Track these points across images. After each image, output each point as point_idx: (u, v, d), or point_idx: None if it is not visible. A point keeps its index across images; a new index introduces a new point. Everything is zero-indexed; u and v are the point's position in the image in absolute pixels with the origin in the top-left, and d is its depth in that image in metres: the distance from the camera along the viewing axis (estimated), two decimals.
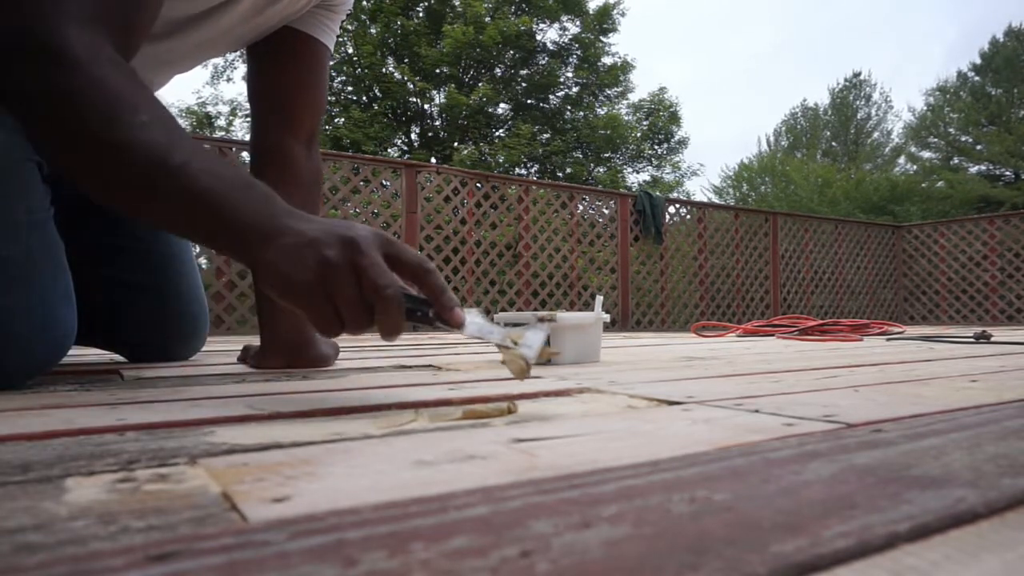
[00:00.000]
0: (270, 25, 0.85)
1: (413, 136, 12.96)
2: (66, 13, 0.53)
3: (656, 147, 14.04)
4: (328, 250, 0.49)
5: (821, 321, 2.31)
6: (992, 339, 1.81)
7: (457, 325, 0.51)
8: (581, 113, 13.47)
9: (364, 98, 12.37)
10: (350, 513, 0.25)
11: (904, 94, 47.21)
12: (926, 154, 17.63)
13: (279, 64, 0.91)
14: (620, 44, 35.86)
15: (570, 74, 13.41)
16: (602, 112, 13.57)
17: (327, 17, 0.92)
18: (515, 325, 1.04)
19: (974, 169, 16.61)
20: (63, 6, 0.53)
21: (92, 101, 0.51)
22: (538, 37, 13.04)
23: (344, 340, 1.88)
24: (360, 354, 1.27)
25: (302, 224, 0.51)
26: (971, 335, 1.94)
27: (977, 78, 17.18)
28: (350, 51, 11.70)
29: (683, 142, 14.14)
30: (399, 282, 0.50)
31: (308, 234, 0.50)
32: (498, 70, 13.01)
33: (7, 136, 0.72)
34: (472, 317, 0.53)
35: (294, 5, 0.85)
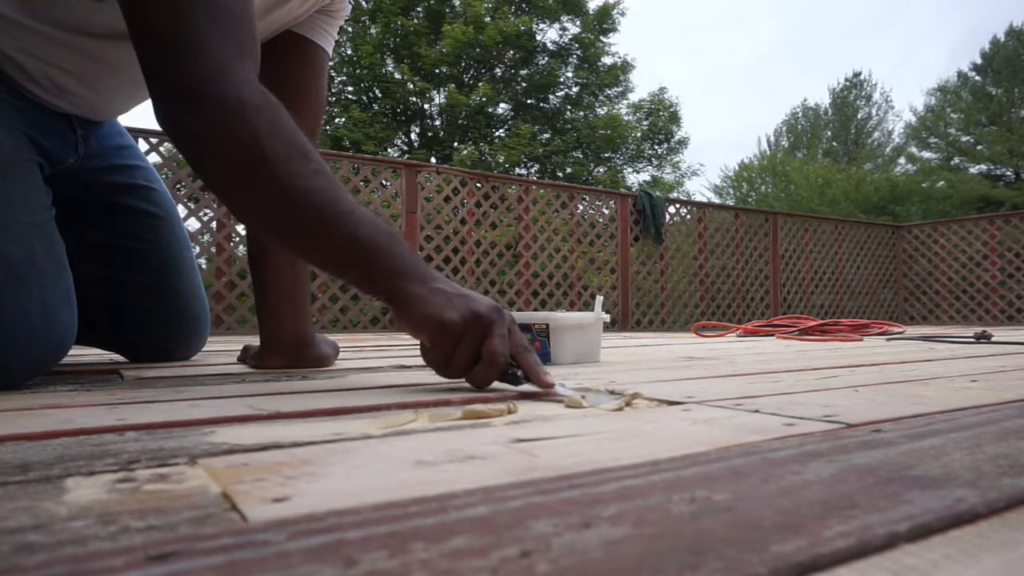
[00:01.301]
0: (272, 30, 0.86)
1: (413, 136, 12.96)
2: (229, 55, 0.58)
3: (656, 147, 14.03)
4: (479, 307, 0.60)
5: (821, 321, 2.31)
6: (992, 339, 1.81)
7: (546, 387, 0.60)
8: (581, 113, 13.47)
9: (364, 98, 12.36)
10: (350, 513, 0.25)
11: (906, 94, 47.21)
12: (927, 154, 17.64)
13: (279, 68, 0.91)
14: (620, 44, 35.88)
15: (570, 74, 13.41)
16: (602, 112, 13.57)
17: (326, 22, 0.92)
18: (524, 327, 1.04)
19: (975, 169, 16.60)
20: (224, 47, 0.57)
21: (273, 147, 0.56)
22: (538, 37, 13.03)
23: (344, 340, 1.88)
24: (360, 354, 1.27)
25: (450, 283, 0.62)
26: (971, 335, 1.94)
27: (978, 78, 17.17)
28: (350, 51, 11.70)
29: (683, 142, 14.14)
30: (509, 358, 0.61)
31: (460, 290, 0.61)
32: (498, 70, 13.01)
33: (8, 136, 0.72)
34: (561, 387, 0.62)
35: (296, 11, 0.85)
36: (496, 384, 0.64)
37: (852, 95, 19.31)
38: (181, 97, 0.57)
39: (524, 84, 13.16)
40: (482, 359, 0.59)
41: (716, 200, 17.43)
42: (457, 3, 12.50)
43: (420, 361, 1.07)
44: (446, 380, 0.74)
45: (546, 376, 0.60)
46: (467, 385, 0.66)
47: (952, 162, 16.96)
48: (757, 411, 0.51)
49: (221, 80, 0.56)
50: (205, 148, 0.58)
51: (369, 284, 0.61)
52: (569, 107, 13.49)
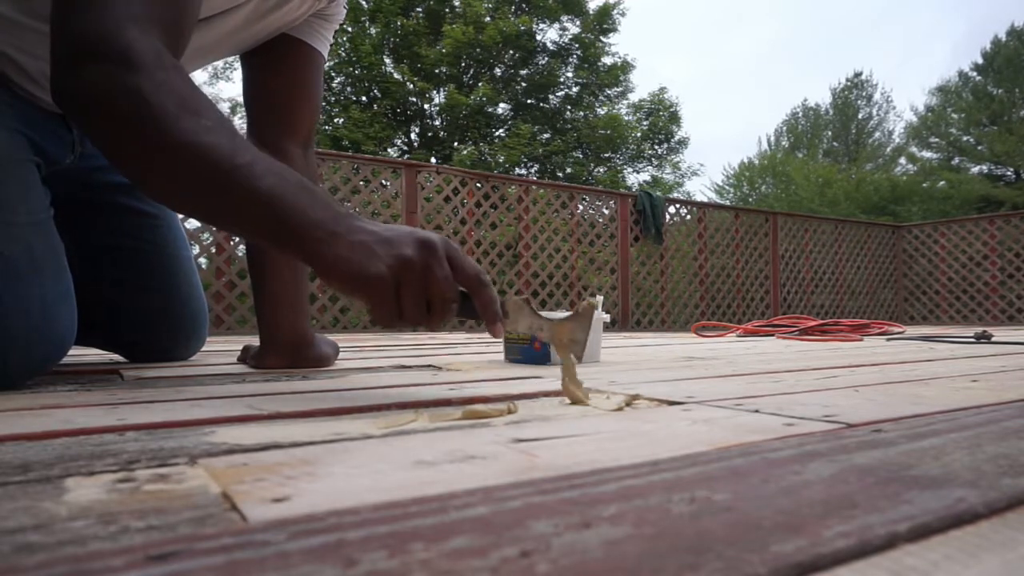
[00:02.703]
0: (268, 32, 0.86)
1: (413, 136, 12.96)
2: (126, 16, 0.55)
3: (656, 147, 14.03)
4: (406, 249, 0.53)
5: (821, 321, 2.31)
6: (993, 339, 1.81)
7: (495, 336, 0.57)
8: (581, 113, 13.46)
9: (364, 98, 12.36)
10: (350, 513, 0.25)
11: (907, 94, 47.23)
12: (927, 154, 17.64)
13: (276, 70, 0.91)
14: (620, 43, 35.90)
15: (570, 74, 13.40)
16: (602, 112, 13.57)
17: (322, 26, 0.92)
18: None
19: (975, 169, 16.60)
20: (123, 8, 0.55)
21: (161, 103, 0.53)
22: (538, 37, 13.03)
23: (344, 340, 1.88)
24: (360, 354, 1.27)
25: (373, 225, 0.55)
26: (971, 335, 1.94)
27: (979, 77, 17.17)
28: (350, 52, 11.70)
29: (683, 142, 14.14)
30: (458, 292, 0.55)
31: (383, 234, 0.54)
32: (498, 70, 13.01)
33: (7, 136, 0.72)
34: (523, 317, 0.60)
35: (292, 14, 0.86)
36: (496, 384, 0.64)
37: (853, 95, 19.31)
38: (72, 51, 0.54)
39: (524, 84, 13.16)
40: (431, 308, 0.54)
41: (717, 200, 17.44)
42: (457, 3, 12.50)
43: (420, 361, 1.07)
44: (446, 380, 0.74)
45: (496, 324, 0.57)
46: (467, 385, 0.66)
47: (952, 162, 16.96)
48: (757, 411, 0.51)
49: (114, 36, 0.54)
50: (90, 104, 0.54)
51: (281, 246, 0.55)
52: (569, 107, 13.49)
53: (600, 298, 1.10)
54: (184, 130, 0.53)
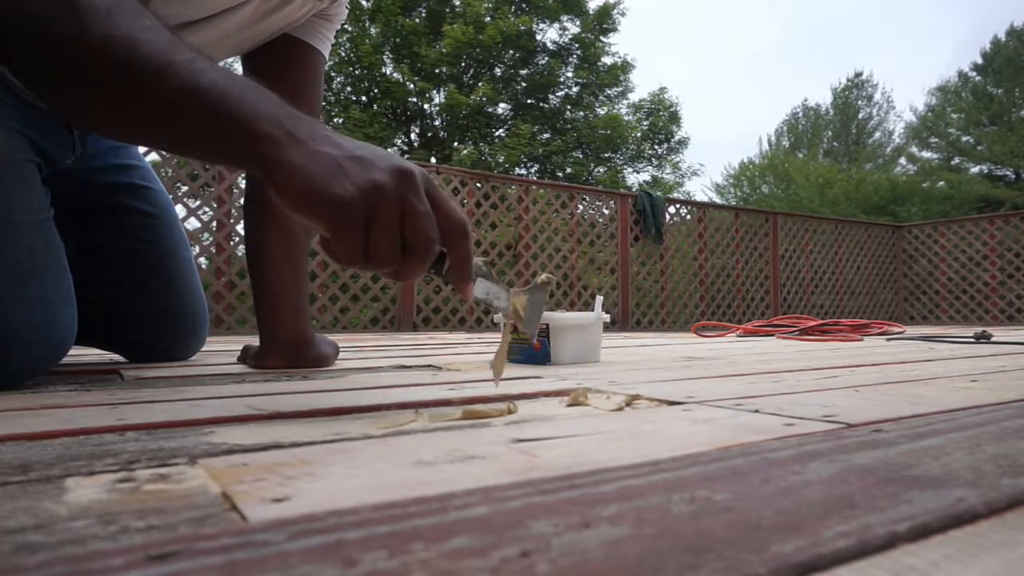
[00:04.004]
0: (269, 32, 0.86)
1: (413, 136, 12.96)
2: None
3: (656, 147, 14.03)
4: (381, 175, 0.45)
5: (821, 321, 2.31)
6: (992, 339, 1.81)
7: (466, 298, 0.51)
8: (581, 113, 13.47)
9: (364, 98, 12.37)
10: (350, 513, 0.25)
11: (908, 94, 47.21)
12: (927, 154, 17.65)
13: (276, 70, 0.91)
14: (620, 43, 35.88)
15: (570, 74, 13.40)
16: (602, 112, 13.57)
17: (323, 26, 0.92)
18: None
19: (975, 169, 16.61)
20: None
21: (93, 2, 0.48)
22: (538, 37, 13.03)
23: (344, 340, 1.88)
24: (360, 354, 1.27)
25: (340, 138, 0.47)
26: (971, 335, 1.94)
27: (979, 78, 17.18)
28: (350, 51, 11.70)
29: (683, 142, 14.14)
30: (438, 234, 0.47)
31: (354, 150, 0.46)
32: (498, 70, 13.01)
33: (7, 136, 0.72)
34: (481, 281, 0.53)
35: (294, 14, 0.85)
36: (496, 384, 0.63)
37: (853, 95, 19.32)
38: None
39: (524, 84, 13.16)
40: (408, 248, 0.45)
41: (718, 199, 17.45)
42: (457, 3, 12.50)
43: (420, 361, 1.07)
44: (446, 380, 0.74)
45: (468, 284, 0.50)
46: (467, 385, 0.65)
47: (952, 162, 16.96)
48: (757, 411, 0.51)
49: None
50: (16, 15, 0.48)
51: (230, 153, 0.47)
52: (569, 107, 13.49)
53: (600, 298, 1.10)
54: (117, 24, 0.47)
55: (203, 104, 0.46)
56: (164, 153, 2.98)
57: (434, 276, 0.50)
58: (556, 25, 13.23)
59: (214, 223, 2.96)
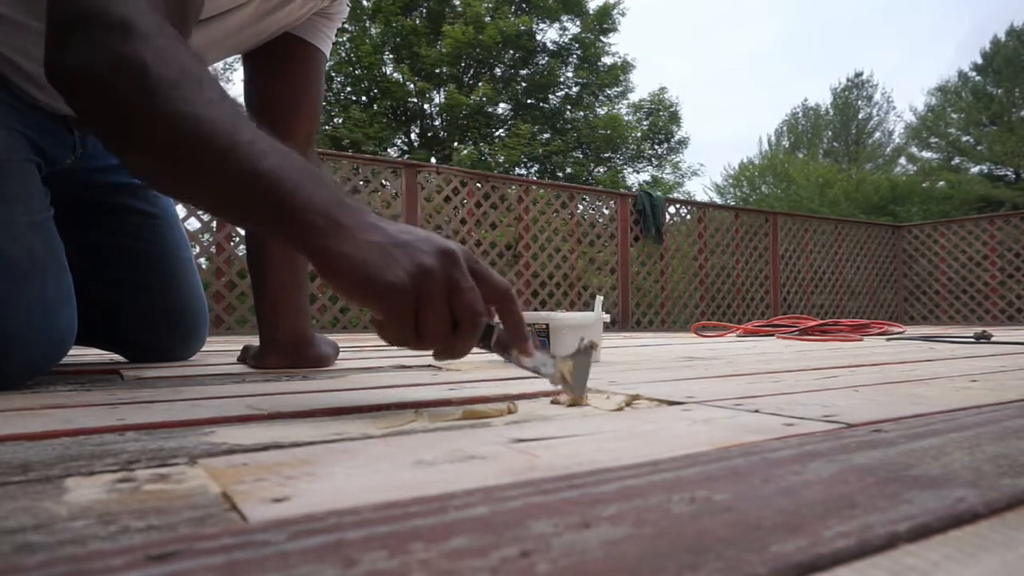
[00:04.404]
0: (270, 32, 0.86)
1: (413, 136, 12.96)
2: None
3: (656, 147, 14.04)
4: (428, 258, 0.47)
5: (821, 321, 2.31)
6: (992, 339, 1.81)
7: (529, 356, 0.52)
8: (581, 113, 13.47)
9: (364, 98, 12.37)
10: (350, 513, 0.25)
11: (908, 94, 47.21)
12: (927, 154, 17.65)
13: (277, 69, 0.91)
14: (620, 43, 35.89)
15: (570, 74, 13.41)
16: (602, 112, 13.58)
17: (324, 25, 0.92)
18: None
19: (975, 169, 16.62)
20: None
21: (160, 72, 0.49)
22: (538, 37, 13.04)
23: (344, 340, 1.88)
24: (360, 354, 1.27)
25: (384, 223, 0.49)
26: (971, 335, 1.94)
27: (978, 78, 17.18)
28: (350, 51, 11.70)
29: (683, 142, 14.15)
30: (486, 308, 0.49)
31: (397, 235, 0.48)
32: (498, 70, 13.01)
33: (7, 136, 0.72)
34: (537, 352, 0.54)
35: (295, 13, 0.85)
36: (496, 384, 0.63)
37: (853, 95, 19.32)
38: (66, 20, 0.50)
39: (524, 84, 13.16)
40: (460, 325, 0.48)
41: (718, 199, 17.45)
42: (457, 3, 12.50)
43: (421, 361, 1.07)
44: (446, 380, 0.74)
45: (529, 342, 0.52)
46: (467, 385, 0.65)
47: (952, 162, 16.97)
48: (757, 411, 0.51)
49: (113, 4, 0.50)
50: (83, 74, 0.50)
51: (282, 235, 0.49)
52: (569, 107, 13.50)
53: (600, 298, 1.10)
54: (185, 99, 0.49)
55: (259, 188, 0.48)
56: None
57: (483, 349, 0.52)
58: (556, 25, 13.24)
59: (214, 223, 2.96)
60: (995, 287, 4.66)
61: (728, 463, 0.33)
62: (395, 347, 0.49)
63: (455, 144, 12.52)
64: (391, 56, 12.36)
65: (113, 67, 0.49)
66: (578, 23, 13.29)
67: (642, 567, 0.20)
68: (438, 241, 0.48)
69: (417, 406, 0.55)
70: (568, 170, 12.99)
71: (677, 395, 0.62)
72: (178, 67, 0.50)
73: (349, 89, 12.36)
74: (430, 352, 0.49)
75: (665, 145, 14.05)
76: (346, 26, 11.39)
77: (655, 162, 14.19)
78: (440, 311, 0.47)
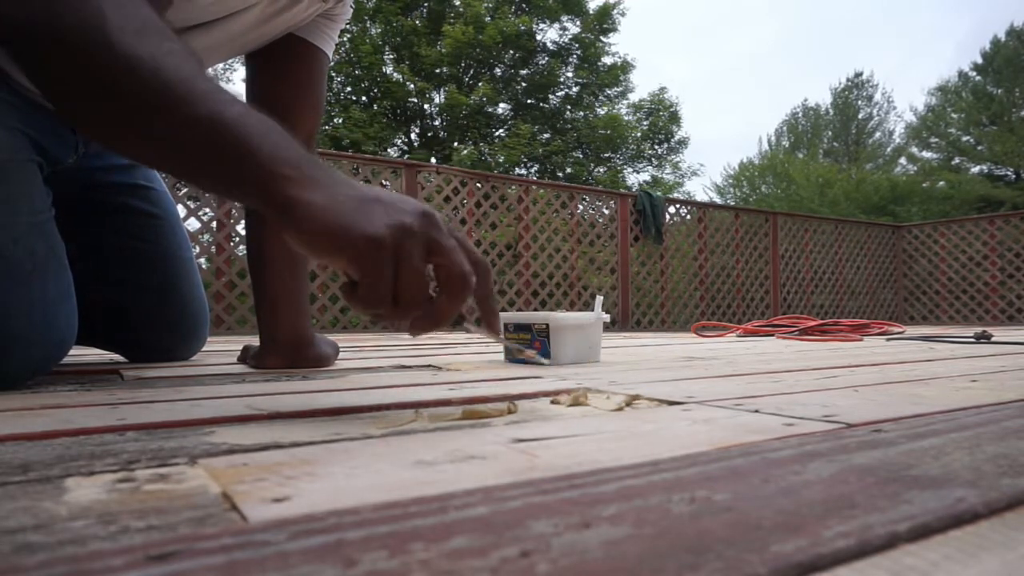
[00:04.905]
0: (275, 33, 0.86)
1: (413, 136, 12.96)
2: None
3: (656, 147, 14.05)
4: (406, 216, 0.44)
5: (821, 321, 2.31)
6: (992, 339, 1.81)
7: (496, 333, 0.50)
8: (581, 113, 13.47)
9: (364, 98, 12.37)
10: (350, 513, 0.25)
11: (908, 94, 47.17)
12: (927, 154, 17.65)
13: (280, 70, 0.91)
14: (620, 43, 35.87)
15: (570, 74, 13.41)
16: (602, 112, 13.58)
17: (328, 26, 0.92)
18: (517, 326, 1.04)
19: (975, 169, 16.62)
20: None
21: (118, 20, 0.47)
22: (538, 37, 13.04)
23: (344, 340, 1.88)
24: (360, 354, 1.27)
25: (360, 183, 0.47)
26: (971, 335, 1.94)
27: (979, 78, 17.18)
28: (350, 51, 11.70)
29: (683, 142, 14.15)
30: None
31: (374, 193, 0.45)
32: (498, 70, 13.02)
33: (8, 136, 0.72)
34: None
35: (300, 15, 0.85)
36: (496, 384, 0.63)
37: (853, 95, 19.32)
38: None
39: (524, 84, 13.16)
40: (442, 287, 0.45)
41: (718, 200, 17.46)
42: (457, 3, 12.50)
43: (420, 361, 1.07)
44: (446, 380, 0.74)
45: (496, 316, 0.51)
46: (467, 385, 0.65)
47: (952, 162, 16.97)
48: (757, 411, 0.51)
49: None
50: (37, 23, 0.47)
51: (247, 188, 0.45)
52: (569, 107, 13.50)
53: (600, 298, 1.10)
54: (142, 47, 0.46)
55: (223, 136, 0.45)
56: None
57: (454, 328, 0.49)
58: (556, 25, 13.24)
59: (214, 223, 2.96)
60: (995, 287, 4.66)
61: (728, 463, 0.33)
62: (368, 315, 0.45)
63: (455, 144, 12.52)
64: (391, 56, 12.36)
65: (65, 15, 0.46)
66: (578, 23, 13.29)
67: (642, 567, 0.20)
68: (416, 202, 0.46)
69: (417, 406, 0.55)
70: (568, 170, 13.00)
71: (677, 395, 0.62)
72: (138, 19, 0.48)
73: (349, 89, 12.36)
74: (405, 324, 0.46)
75: (665, 145, 14.05)
76: (347, 26, 11.39)
77: (655, 162, 14.20)
78: (420, 271, 0.44)
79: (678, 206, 4.40)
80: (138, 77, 0.46)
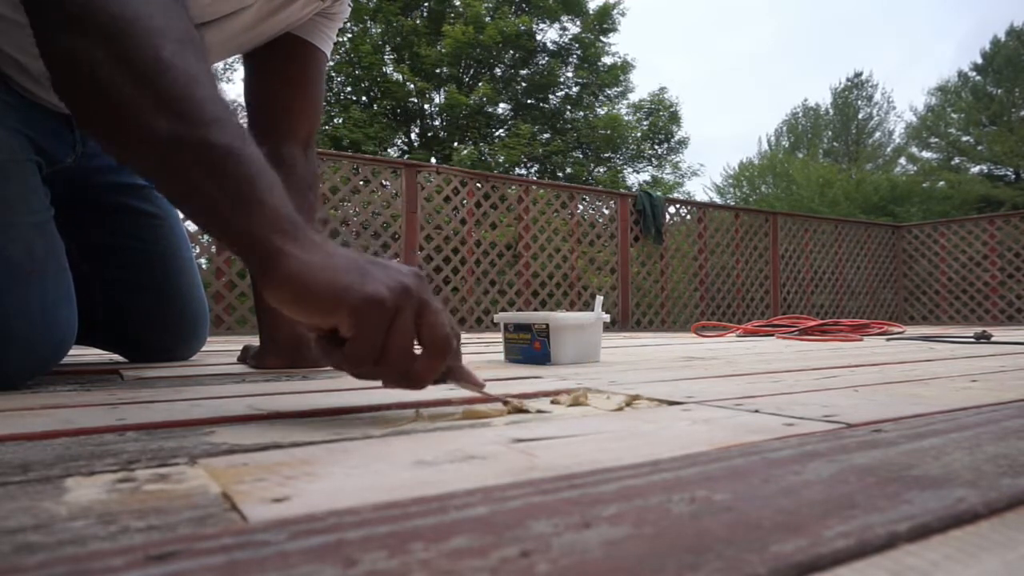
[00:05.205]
0: (272, 33, 0.86)
1: (413, 136, 12.96)
2: None
3: (656, 147, 14.05)
4: (404, 278, 0.45)
5: (821, 321, 2.31)
6: (992, 339, 1.81)
7: (480, 385, 0.51)
8: (581, 113, 13.48)
9: (364, 98, 12.37)
10: (350, 513, 0.25)
11: (908, 94, 47.16)
12: (927, 154, 17.66)
13: (278, 69, 0.91)
14: (620, 43, 35.87)
15: (570, 74, 13.41)
16: (602, 112, 13.58)
17: (326, 25, 0.92)
18: (517, 326, 1.04)
19: (975, 169, 16.62)
20: None
21: (165, 21, 0.47)
22: (538, 37, 13.04)
23: None
24: None
25: (354, 250, 0.47)
26: (971, 335, 1.94)
27: (979, 78, 17.18)
28: (350, 51, 11.70)
29: (683, 142, 14.16)
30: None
31: (367, 256, 0.46)
32: (498, 70, 13.02)
33: (8, 135, 0.72)
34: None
35: (297, 14, 0.85)
36: (496, 384, 0.63)
37: (853, 95, 19.32)
38: None
39: (524, 84, 13.16)
40: (428, 347, 0.45)
41: (718, 200, 17.46)
42: (457, 3, 12.51)
43: None
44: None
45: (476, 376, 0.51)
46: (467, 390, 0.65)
47: (952, 162, 16.97)
48: (757, 411, 0.51)
49: None
50: (70, 14, 0.47)
51: (239, 227, 0.44)
52: (569, 107, 13.50)
53: (600, 298, 1.10)
54: (180, 57, 0.46)
55: (235, 169, 0.44)
56: None
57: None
58: (556, 25, 13.24)
59: None
60: (995, 287, 4.66)
61: (728, 463, 0.33)
62: (348, 371, 0.46)
63: (455, 144, 12.52)
64: (391, 56, 12.36)
65: (97, 10, 0.46)
66: (578, 23, 13.29)
67: (642, 567, 0.20)
68: (407, 266, 0.47)
69: (417, 406, 0.55)
70: (568, 170, 13.00)
71: (677, 395, 0.62)
72: (181, 28, 0.48)
73: (349, 89, 12.36)
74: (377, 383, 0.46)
75: (665, 145, 14.05)
76: (347, 25, 11.39)
77: (655, 162, 14.20)
78: (412, 331, 0.45)
79: (678, 206, 4.40)
80: (169, 79, 0.45)
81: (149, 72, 0.45)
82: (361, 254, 0.46)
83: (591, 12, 13.20)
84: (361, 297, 0.42)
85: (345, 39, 11.69)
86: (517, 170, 12.44)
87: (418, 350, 0.46)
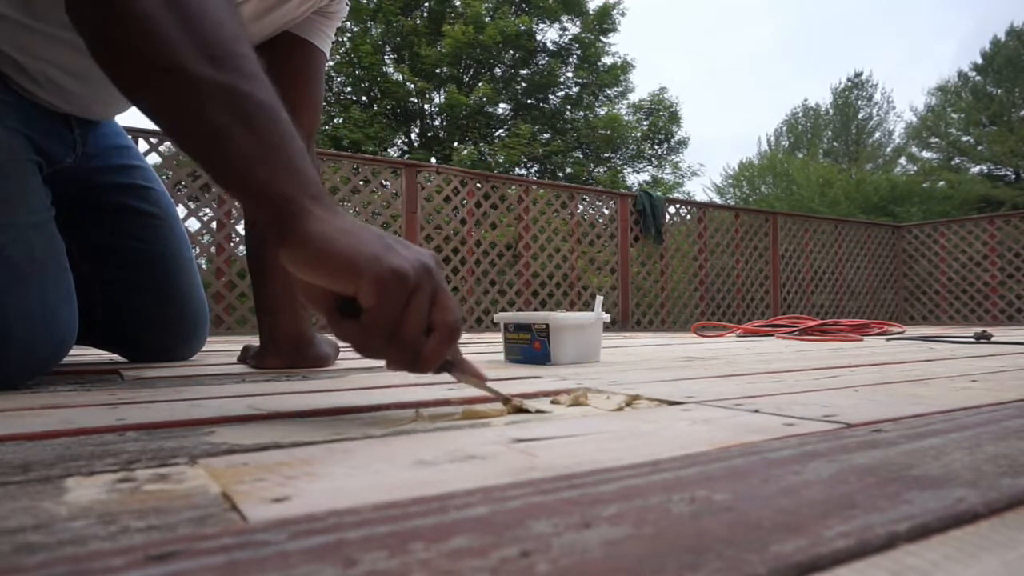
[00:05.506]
0: (269, 31, 0.86)
1: (413, 136, 12.96)
2: None
3: (656, 147, 14.05)
4: (426, 259, 0.45)
5: (821, 321, 2.31)
6: (992, 339, 1.81)
7: (482, 378, 0.51)
8: (581, 113, 13.48)
9: (364, 98, 12.37)
10: (350, 513, 0.25)
11: (908, 94, 47.15)
12: (927, 154, 17.65)
13: (276, 69, 0.91)
14: (620, 43, 35.85)
15: (570, 74, 13.42)
16: (602, 112, 13.58)
17: (323, 24, 0.92)
18: (517, 326, 1.04)
19: (975, 169, 16.62)
20: None
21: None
22: (538, 37, 13.04)
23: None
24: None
25: (374, 227, 0.48)
26: (971, 335, 1.94)
27: (978, 78, 17.18)
28: (350, 51, 11.70)
29: (683, 142, 14.16)
30: None
31: (391, 235, 0.47)
32: (498, 70, 13.02)
33: (7, 136, 0.72)
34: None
35: (293, 12, 0.85)
36: (496, 384, 0.63)
37: (853, 95, 19.32)
38: None
39: (524, 84, 13.16)
40: (439, 329, 0.45)
41: (718, 200, 17.46)
42: (457, 3, 12.50)
43: None
44: (446, 380, 0.73)
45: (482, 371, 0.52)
46: (467, 385, 0.65)
47: (952, 162, 16.97)
48: (757, 411, 0.51)
49: None
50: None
51: (264, 178, 0.45)
52: (569, 107, 13.50)
53: (600, 298, 1.10)
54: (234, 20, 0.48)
55: (273, 123, 0.46)
56: (165, 153, 2.98)
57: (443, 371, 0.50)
58: (556, 25, 13.24)
59: (214, 223, 2.96)
60: (995, 287, 4.66)
61: (728, 463, 0.33)
62: (358, 345, 0.45)
63: (455, 144, 12.52)
64: (391, 56, 12.36)
65: None
66: (578, 23, 13.29)
67: (642, 567, 0.20)
68: (423, 248, 0.48)
69: (417, 406, 0.55)
70: (568, 170, 13.00)
71: (677, 395, 0.62)
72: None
73: (349, 89, 12.36)
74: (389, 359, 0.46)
75: (665, 145, 14.05)
76: (347, 25, 11.39)
77: (655, 162, 14.20)
78: (427, 310, 0.45)
79: (678, 206, 4.40)
80: (214, 27, 0.48)
81: (197, 16, 0.47)
82: (384, 231, 0.47)
83: (591, 12, 13.20)
84: (388, 268, 0.42)
85: (345, 39, 11.69)
86: (517, 170, 12.44)
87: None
